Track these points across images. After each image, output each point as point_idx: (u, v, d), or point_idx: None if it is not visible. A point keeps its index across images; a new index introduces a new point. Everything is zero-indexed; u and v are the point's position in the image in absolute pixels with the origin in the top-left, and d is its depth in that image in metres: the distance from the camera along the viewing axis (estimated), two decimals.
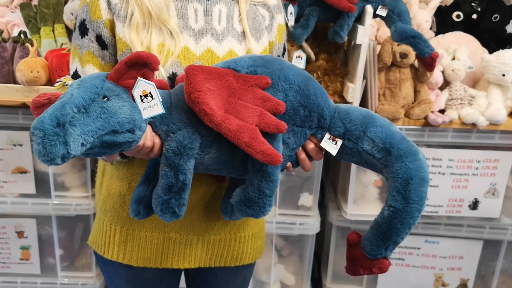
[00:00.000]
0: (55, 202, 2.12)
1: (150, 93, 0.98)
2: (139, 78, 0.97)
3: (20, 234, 2.19)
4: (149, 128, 1.04)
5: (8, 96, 1.86)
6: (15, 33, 2.12)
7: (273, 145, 1.06)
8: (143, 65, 0.96)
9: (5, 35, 2.08)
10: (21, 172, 2.08)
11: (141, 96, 0.98)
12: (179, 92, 1.09)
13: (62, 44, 2.05)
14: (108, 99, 0.94)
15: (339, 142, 1.14)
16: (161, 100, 0.99)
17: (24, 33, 2.02)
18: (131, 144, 0.99)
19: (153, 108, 0.99)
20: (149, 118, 1.00)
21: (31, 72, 1.82)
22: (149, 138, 1.04)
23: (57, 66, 1.86)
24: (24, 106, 1.88)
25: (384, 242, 1.11)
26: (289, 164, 1.19)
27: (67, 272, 2.27)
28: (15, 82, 1.92)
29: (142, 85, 0.97)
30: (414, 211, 1.09)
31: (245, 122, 1.03)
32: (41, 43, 2.07)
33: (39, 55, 1.95)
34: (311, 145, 1.17)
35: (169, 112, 1.05)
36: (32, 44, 1.92)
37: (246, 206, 1.11)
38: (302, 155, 1.18)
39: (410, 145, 1.13)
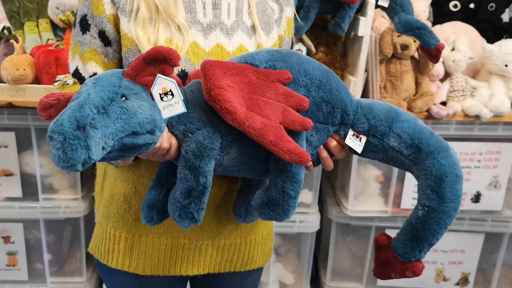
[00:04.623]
0: (43, 205, 2.04)
1: (170, 90, 0.91)
2: (158, 75, 0.90)
3: (6, 239, 2.11)
4: (165, 128, 0.97)
5: None
6: None
7: (297, 144, 0.99)
8: (162, 60, 0.89)
9: None
10: (7, 175, 2.00)
11: (160, 94, 0.91)
12: (195, 89, 1.01)
13: (48, 39, 1.96)
14: (126, 98, 0.86)
15: (364, 138, 1.09)
16: (182, 98, 0.92)
17: (8, 28, 1.94)
18: (149, 146, 0.92)
19: (174, 107, 0.91)
20: (170, 117, 0.93)
21: (17, 70, 1.75)
22: (165, 140, 0.97)
23: (45, 63, 1.79)
24: (10, 105, 1.79)
25: (418, 244, 1.06)
26: (310, 163, 1.12)
27: (56, 278, 2.19)
28: (0, 80, 1.83)
29: (161, 82, 0.90)
30: (450, 210, 1.04)
31: (268, 119, 0.97)
32: (25, 39, 1.98)
33: (24, 51, 1.87)
34: (333, 143, 1.11)
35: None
36: (17, 41, 1.84)
37: (269, 209, 1.04)
38: (324, 154, 1.12)
39: (440, 140, 1.07)
